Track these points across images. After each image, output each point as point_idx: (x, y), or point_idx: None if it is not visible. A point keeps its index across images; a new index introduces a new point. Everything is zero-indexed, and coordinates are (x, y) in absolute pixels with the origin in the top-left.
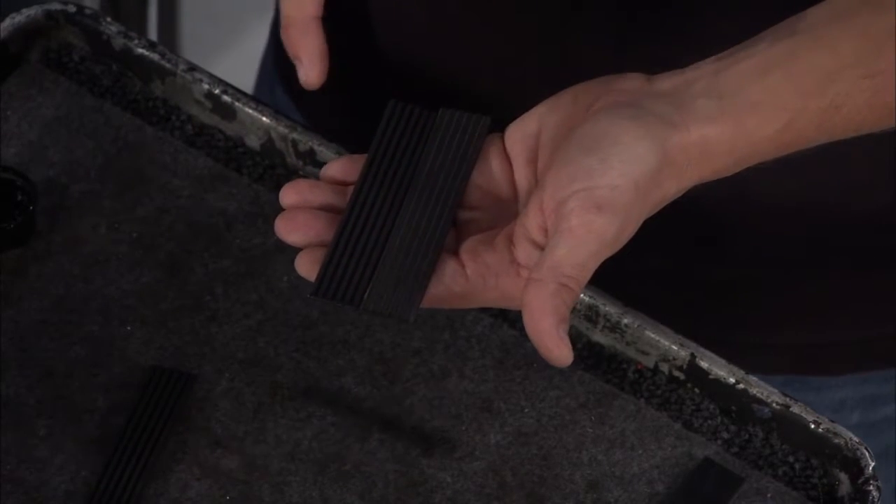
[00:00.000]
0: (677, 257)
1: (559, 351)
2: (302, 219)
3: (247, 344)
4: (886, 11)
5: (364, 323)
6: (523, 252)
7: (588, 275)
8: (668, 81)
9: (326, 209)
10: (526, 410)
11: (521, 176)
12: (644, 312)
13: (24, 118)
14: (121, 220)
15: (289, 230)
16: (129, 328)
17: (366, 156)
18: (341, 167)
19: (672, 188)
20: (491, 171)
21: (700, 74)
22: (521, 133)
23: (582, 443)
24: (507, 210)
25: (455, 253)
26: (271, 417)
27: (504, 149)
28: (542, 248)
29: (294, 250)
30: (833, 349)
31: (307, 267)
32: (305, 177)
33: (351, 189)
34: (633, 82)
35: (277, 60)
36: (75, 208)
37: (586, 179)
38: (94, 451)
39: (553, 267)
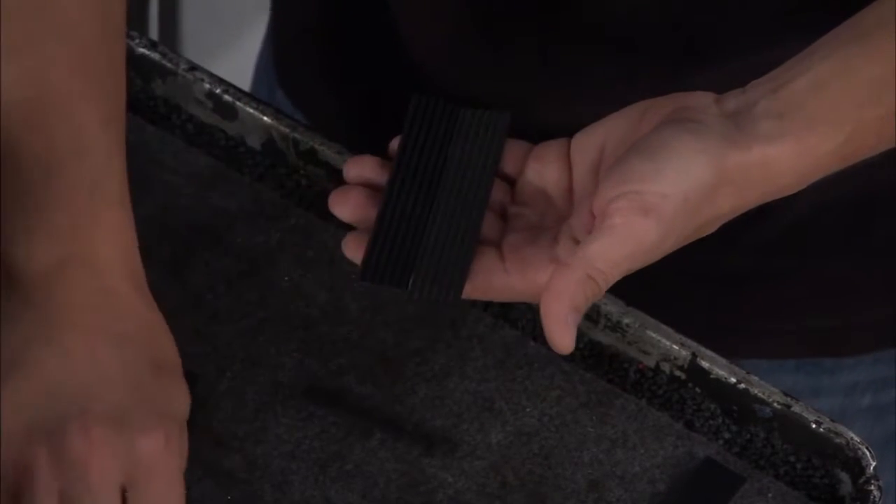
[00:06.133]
0: (691, 243)
1: (562, 338)
2: (355, 195)
3: (248, 343)
4: None
5: (365, 322)
6: (564, 249)
7: (618, 275)
8: (733, 101)
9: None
10: (527, 410)
11: (580, 184)
12: (658, 300)
13: None
14: None
15: (337, 202)
16: None
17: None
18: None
19: (726, 206)
20: (548, 173)
21: (760, 94)
22: (586, 143)
23: (583, 442)
24: (555, 211)
25: (497, 246)
26: (272, 417)
27: (567, 154)
28: None
29: (295, 250)
30: (846, 332)
31: (353, 250)
32: (306, 176)
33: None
34: (701, 100)
35: (277, 64)
36: None
37: (638, 183)
38: None
39: (585, 257)
